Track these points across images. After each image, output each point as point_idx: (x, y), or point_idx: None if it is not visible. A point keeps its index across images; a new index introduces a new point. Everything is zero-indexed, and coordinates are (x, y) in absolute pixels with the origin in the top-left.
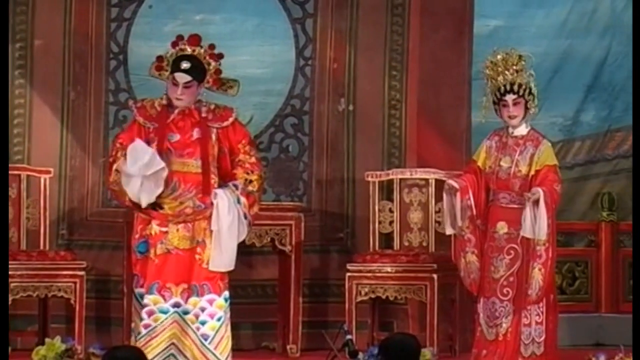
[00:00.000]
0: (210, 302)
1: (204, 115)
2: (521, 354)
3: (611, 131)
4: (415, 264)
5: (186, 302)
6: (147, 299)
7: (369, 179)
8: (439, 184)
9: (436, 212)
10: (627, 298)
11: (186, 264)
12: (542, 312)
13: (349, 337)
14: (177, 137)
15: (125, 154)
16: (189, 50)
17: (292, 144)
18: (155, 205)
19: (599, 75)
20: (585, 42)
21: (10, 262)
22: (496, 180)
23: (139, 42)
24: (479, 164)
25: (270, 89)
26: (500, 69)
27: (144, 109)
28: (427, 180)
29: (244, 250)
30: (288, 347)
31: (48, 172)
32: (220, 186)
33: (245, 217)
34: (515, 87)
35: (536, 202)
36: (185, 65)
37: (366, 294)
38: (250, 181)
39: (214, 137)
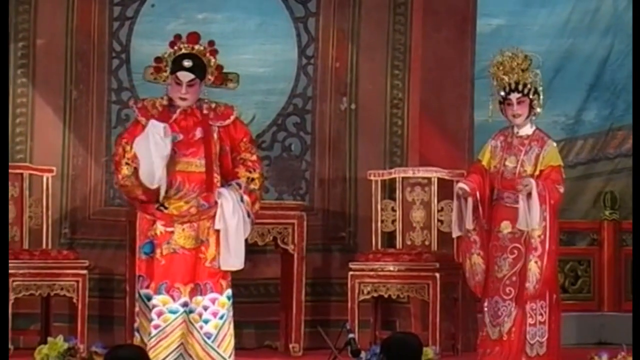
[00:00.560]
0: (213, 300)
1: (205, 112)
2: (526, 354)
3: (613, 130)
4: (417, 262)
5: (191, 301)
6: (156, 300)
7: (372, 177)
8: (441, 182)
9: (438, 211)
10: (629, 297)
11: (192, 263)
12: (546, 312)
13: (351, 335)
14: (180, 137)
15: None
16: (189, 48)
17: (294, 142)
18: (160, 205)
19: (601, 74)
20: (588, 41)
21: (12, 261)
22: (501, 180)
23: (142, 41)
24: (484, 163)
25: (273, 87)
26: (506, 69)
27: (145, 109)
28: (429, 179)
29: (247, 249)
30: (290, 346)
31: (50, 171)
32: (222, 185)
33: (249, 216)
34: (520, 86)
35: (530, 195)
36: (187, 63)
37: (368, 292)
38: (252, 179)
39: (215, 135)
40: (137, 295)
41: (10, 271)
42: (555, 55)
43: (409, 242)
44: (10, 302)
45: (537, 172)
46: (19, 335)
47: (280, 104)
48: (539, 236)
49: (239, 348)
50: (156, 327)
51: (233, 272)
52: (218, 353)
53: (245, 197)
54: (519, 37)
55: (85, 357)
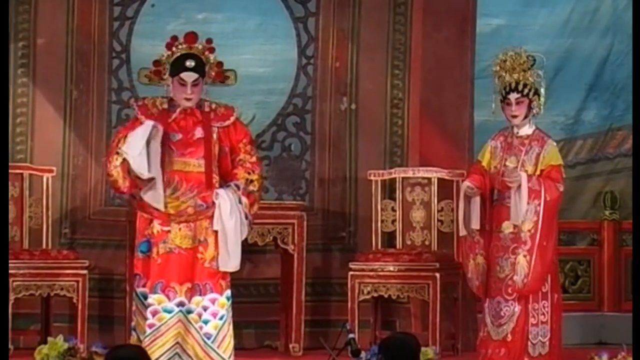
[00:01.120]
0: (213, 301)
1: (206, 110)
2: (528, 354)
3: (613, 130)
4: (417, 262)
5: (190, 301)
6: (152, 299)
7: (372, 177)
8: (442, 182)
9: (438, 211)
10: (629, 297)
11: (189, 263)
12: (548, 312)
13: (351, 336)
14: (179, 136)
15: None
16: (187, 48)
17: (294, 142)
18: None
19: (601, 74)
20: (587, 41)
21: (12, 261)
22: (502, 180)
23: (142, 41)
24: (484, 164)
25: (273, 87)
26: (507, 67)
27: (146, 108)
28: (429, 179)
29: (247, 249)
30: (290, 346)
31: (50, 171)
32: (221, 185)
33: (247, 217)
34: (520, 86)
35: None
36: (190, 63)
37: (368, 292)
38: (251, 181)
39: (215, 136)
40: (133, 294)
41: (10, 271)
42: (555, 55)
43: (409, 242)
44: (10, 302)
45: (537, 172)
46: (19, 335)
47: (280, 104)
48: (529, 230)
49: (239, 348)
50: (151, 326)
51: (233, 273)
52: (218, 354)
53: (244, 199)
54: (519, 37)
55: (85, 357)
